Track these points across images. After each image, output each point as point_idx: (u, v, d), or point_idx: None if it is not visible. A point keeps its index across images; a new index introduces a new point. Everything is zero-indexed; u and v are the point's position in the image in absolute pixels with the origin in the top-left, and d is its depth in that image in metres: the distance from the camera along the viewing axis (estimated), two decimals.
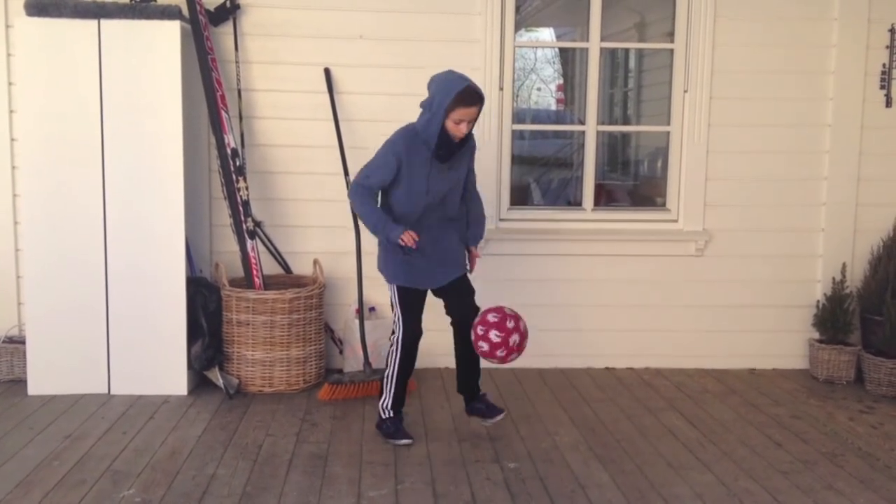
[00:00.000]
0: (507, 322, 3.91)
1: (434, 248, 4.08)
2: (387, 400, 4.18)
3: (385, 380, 4.20)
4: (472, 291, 4.23)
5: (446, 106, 3.78)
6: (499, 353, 3.91)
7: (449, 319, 4.24)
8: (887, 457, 4.05)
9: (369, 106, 5.17)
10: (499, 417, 4.23)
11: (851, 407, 4.81)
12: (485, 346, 3.92)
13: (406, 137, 3.93)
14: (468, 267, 4.27)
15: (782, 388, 5.13)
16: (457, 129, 3.85)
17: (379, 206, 4.07)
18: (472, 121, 3.87)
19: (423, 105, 3.94)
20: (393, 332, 4.18)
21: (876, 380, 5.06)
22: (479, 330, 3.93)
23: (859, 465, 3.93)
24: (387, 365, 4.19)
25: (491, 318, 3.93)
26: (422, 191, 3.95)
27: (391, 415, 4.18)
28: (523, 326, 3.98)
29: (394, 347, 4.16)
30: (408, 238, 3.89)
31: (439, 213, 4.08)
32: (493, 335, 3.88)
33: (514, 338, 3.90)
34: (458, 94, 3.76)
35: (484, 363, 4.20)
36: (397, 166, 3.91)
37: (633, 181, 6.95)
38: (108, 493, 3.49)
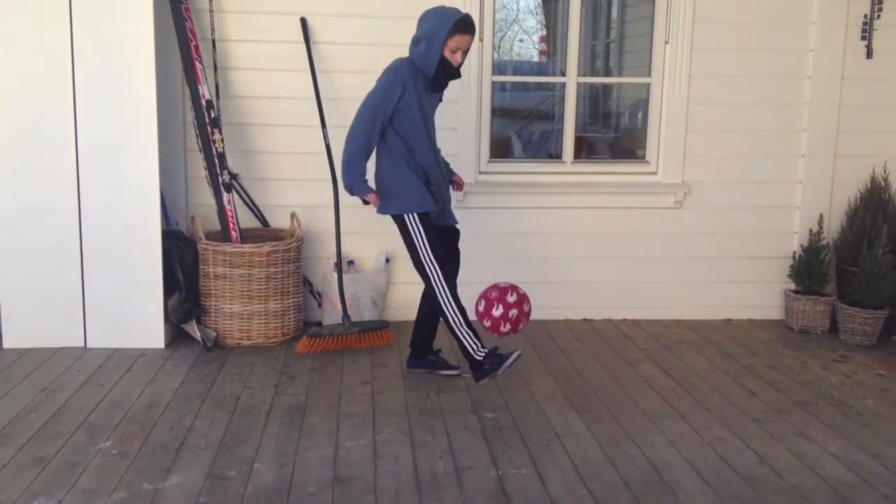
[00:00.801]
0: (509, 296, 4.06)
1: (441, 189, 4.21)
2: (471, 343, 4.02)
3: (454, 328, 4.03)
4: (458, 250, 4.33)
5: (445, 34, 3.92)
6: (503, 328, 4.05)
7: None
8: (860, 405, 4.10)
9: (347, 57, 5.09)
10: (456, 371, 4.34)
11: (825, 356, 4.87)
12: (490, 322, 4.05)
13: (407, 66, 4.02)
14: (462, 180, 4.47)
15: (758, 339, 5.18)
16: (454, 58, 4.01)
17: (395, 146, 4.04)
18: (467, 50, 4.06)
19: (416, 40, 4.04)
20: (428, 278, 4.03)
21: (850, 329, 5.12)
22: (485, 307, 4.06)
23: (832, 414, 3.98)
24: (446, 315, 4.04)
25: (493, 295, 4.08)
26: (423, 121, 4.06)
27: (485, 352, 4.03)
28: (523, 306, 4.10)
29: (439, 289, 4.03)
30: (372, 199, 4.02)
31: (434, 153, 4.17)
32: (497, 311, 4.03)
33: (514, 312, 4.05)
34: (457, 21, 3.93)
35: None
36: (402, 90, 3.96)
37: (614, 134, 6.92)
38: (85, 445, 3.49)
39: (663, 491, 3.17)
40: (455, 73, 4.07)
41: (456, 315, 4.06)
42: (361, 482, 3.20)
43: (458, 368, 4.37)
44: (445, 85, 4.13)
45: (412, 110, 4.01)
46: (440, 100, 4.26)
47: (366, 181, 4.01)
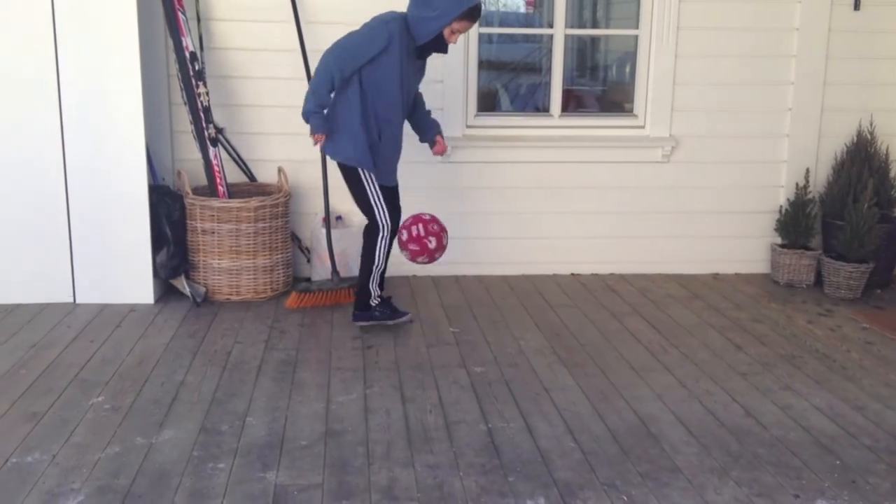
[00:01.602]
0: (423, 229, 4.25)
1: (393, 149, 4.27)
2: (374, 285, 4.34)
3: (370, 271, 4.30)
4: (399, 208, 4.46)
5: (455, 15, 3.97)
6: (420, 259, 4.29)
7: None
8: (843, 358, 4.16)
9: (332, 8, 5.02)
10: (406, 318, 4.47)
11: (810, 310, 4.93)
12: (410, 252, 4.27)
13: (398, 20, 4.03)
14: (445, 147, 4.50)
15: (744, 293, 5.23)
16: (450, 38, 4.08)
17: (354, 95, 4.07)
18: (464, 33, 4.16)
19: (421, 2, 4.02)
20: (375, 227, 4.23)
21: (835, 283, 5.17)
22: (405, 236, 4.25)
23: (816, 367, 4.04)
24: (372, 258, 4.27)
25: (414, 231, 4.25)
26: (399, 82, 4.08)
27: (381, 298, 4.39)
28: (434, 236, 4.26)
29: (383, 240, 4.24)
30: (318, 138, 4.12)
31: (400, 114, 4.21)
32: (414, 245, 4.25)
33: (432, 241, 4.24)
34: (470, 9, 3.99)
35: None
36: (386, 45, 3.97)
37: (602, 87, 6.88)
38: (77, 400, 3.51)
39: (650, 443, 3.22)
40: (444, 49, 4.13)
41: (378, 268, 4.30)
42: (353, 435, 3.23)
43: (409, 315, 4.51)
44: (429, 54, 4.19)
45: (390, 67, 4.02)
46: (422, 71, 4.30)
47: (323, 117, 4.09)
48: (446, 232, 4.31)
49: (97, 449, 3.09)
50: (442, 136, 4.47)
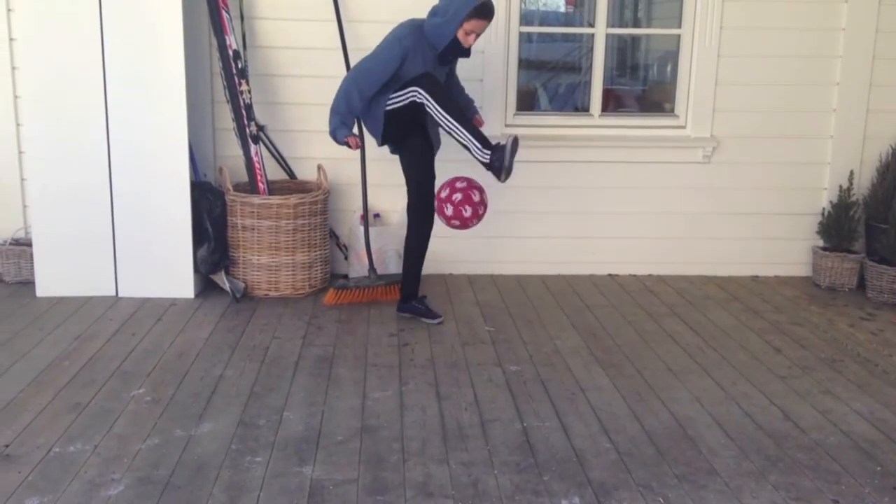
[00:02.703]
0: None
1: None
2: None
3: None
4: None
5: (463, 16, 4.02)
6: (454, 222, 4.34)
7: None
8: (885, 363, 4.10)
9: (374, 7, 5.05)
10: (437, 321, 4.51)
11: (852, 314, 4.85)
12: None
13: (414, 32, 4.10)
14: (482, 123, 4.63)
15: (784, 295, 5.17)
16: (466, 39, 4.11)
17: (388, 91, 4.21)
18: (481, 33, 4.15)
19: (433, 11, 4.13)
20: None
21: (878, 287, 5.09)
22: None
23: (857, 371, 3.99)
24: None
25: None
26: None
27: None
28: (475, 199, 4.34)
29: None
30: (352, 142, 4.28)
31: None
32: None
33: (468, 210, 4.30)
34: (477, 7, 4.00)
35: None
36: (402, 60, 4.09)
37: (642, 86, 6.84)
38: (119, 392, 3.57)
39: (687, 445, 3.20)
40: (465, 52, 4.17)
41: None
42: (388, 431, 3.25)
43: (440, 318, 4.53)
44: (453, 60, 4.27)
45: (415, 70, 4.12)
46: (452, 74, 4.43)
47: (347, 127, 4.27)
48: (480, 199, 4.35)
49: (138, 440, 3.14)
50: (479, 115, 4.63)
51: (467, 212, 4.26)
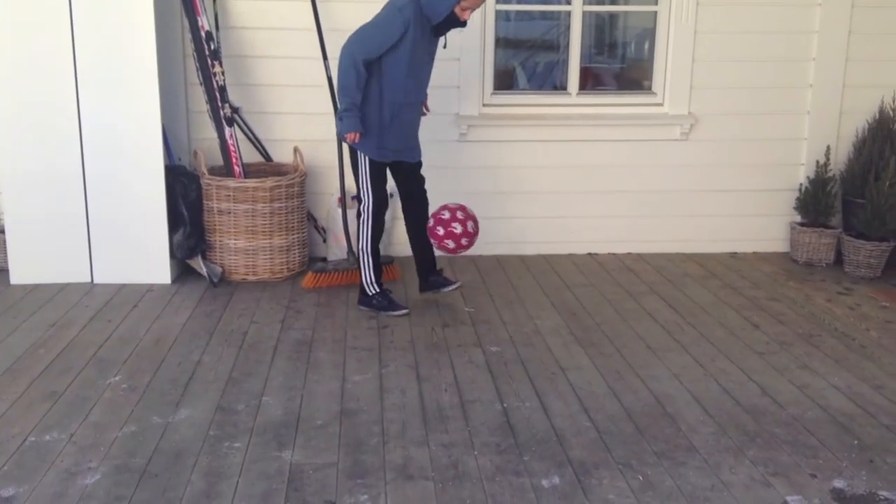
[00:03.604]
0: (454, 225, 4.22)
1: (406, 128, 4.23)
2: (369, 274, 4.32)
3: (360, 255, 4.31)
4: (424, 180, 4.42)
5: None
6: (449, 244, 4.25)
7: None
8: (863, 337, 4.12)
9: None
10: (455, 286, 4.50)
11: (830, 289, 4.88)
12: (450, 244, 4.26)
13: (412, 6, 3.98)
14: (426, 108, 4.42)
15: (762, 271, 5.19)
16: (462, 14, 4.04)
17: (371, 79, 4.05)
18: (476, 8, 4.09)
19: None
20: (359, 204, 4.26)
21: (855, 262, 5.12)
22: (440, 231, 4.23)
23: (835, 346, 4.01)
24: (358, 239, 4.31)
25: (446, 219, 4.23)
26: (408, 63, 4.04)
27: (378, 289, 4.33)
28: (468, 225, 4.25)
29: (364, 217, 4.25)
30: (352, 137, 4.08)
31: (413, 94, 4.16)
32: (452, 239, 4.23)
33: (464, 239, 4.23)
34: None
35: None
36: (404, 32, 3.96)
37: (620, 64, 6.81)
38: (94, 380, 3.53)
39: (666, 422, 3.21)
40: (462, 23, 4.10)
41: (368, 243, 4.28)
42: (368, 415, 3.24)
43: (458, 283, 4.53)
44: (445, 32, 4.16)
45: (402, 53, 4.00)
46: (434, 47, 4.23)
47: (357, 116, 4.04)
48: (470, 233, 4.26)
49: (114, 428, 3.11)
50: (427, 100, 4.41)
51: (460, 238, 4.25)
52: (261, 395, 3.39)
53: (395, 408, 3.30)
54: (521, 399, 3.39)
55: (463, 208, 4.27)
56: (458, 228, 4.19)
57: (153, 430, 3.10)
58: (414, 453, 2.95)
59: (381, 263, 4.47)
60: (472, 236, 4.23)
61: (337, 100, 4.10)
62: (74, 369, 3.63)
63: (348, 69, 3.97)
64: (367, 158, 4.17)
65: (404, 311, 4.33)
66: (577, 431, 3.13)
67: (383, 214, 4.32)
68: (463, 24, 4.11)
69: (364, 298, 4.38)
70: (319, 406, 3.31)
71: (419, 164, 4.38)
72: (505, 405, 3.34)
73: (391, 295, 4.40)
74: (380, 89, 4.06)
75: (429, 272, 4.54)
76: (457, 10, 4.00)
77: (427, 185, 4.44)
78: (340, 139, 4.75)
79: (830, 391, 3.51)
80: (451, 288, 4.51)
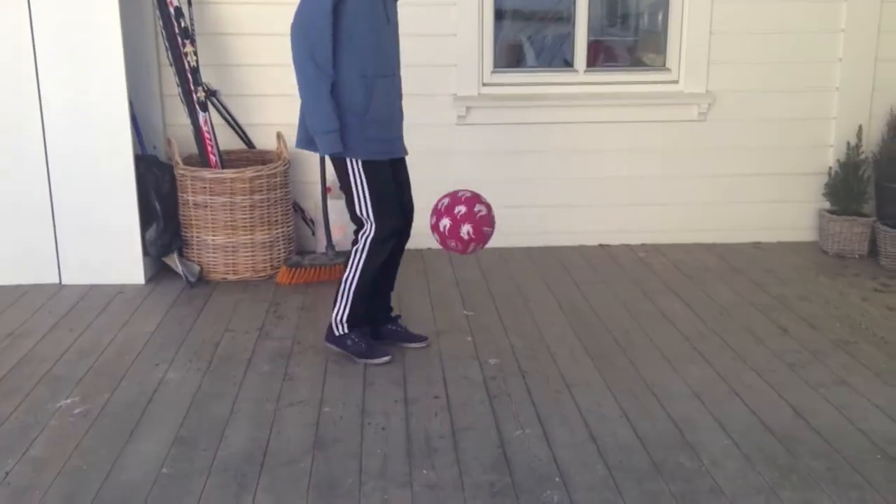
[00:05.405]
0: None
1: (392, 107, 3.42)
2: (341, 312, 3.49)
3: (342, 284, 3.48)
4: (409, 186, 3.61)
5: None
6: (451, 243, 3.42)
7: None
8: None
9: None
10: (424, 344, 3.69)
11: (865, 285, 4.45)
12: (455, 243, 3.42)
13: None
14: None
15: (789, 264, 4.76)
16: None
17: (333, 56, 3.23)
18: None
19: None
20: (360, 229, 3.44)
21: (892, 254, 4.69)
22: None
23: (873, 355, 3.58)
24: (347, 267, 3.47)
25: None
26: (369, 16, 3.25)
27: (345, 331, 3.51)
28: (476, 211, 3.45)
29: (360, 246, 3.43)
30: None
31: (392, 60, 3.41)
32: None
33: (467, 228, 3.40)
34: None
35: None
36: (333, 5, 3.17)
37: (633, 37, 6.36)
38: (44, 402, 3.16)
39: (686, 454, 2.81)
40: None
41: (354, 279, 3.44)
42: (345, 446, 2.85)
43: (427, 340, 3.72)
44: None
45: (352, 12, 3.21)
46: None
47: (337, 135, 3.23)
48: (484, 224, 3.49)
49: (56, 464, 2.74)
50: None
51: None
52: (225, 423, 3.01)
53: (376, 438, 2.91)
54: (521, 425, 3.00)
55: (463, 206, 3.43)
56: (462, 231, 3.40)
57: (99, 468, 2.71)
58: (394, 496, 2.57)
59: (367, 311, 3.59)
60: (467, 244, 3.43)
61: (301, 101, 3.30)
62: (23, 390, 3.26)
63: (304, 67, 3.22)
64: (357, 163, 3.32)
65: (386, 359, 3.51)
66: (584, 467, 2.73)
67: (386, 248, 3.46)
68: None
69: (333, 337, 3.55)
70: (290, 436, 2.92)
71: (403, 160, 3.56)
72: (502, 435, 2.94)
73: (369, 337, 3.58)
74: (345, 63, 3.25)
75: (387, 312, 3.73)
76: None
77: (421, 174, 3.79)
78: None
79: (873, 413, 3.09)
80: (419, 346, 3.68)
